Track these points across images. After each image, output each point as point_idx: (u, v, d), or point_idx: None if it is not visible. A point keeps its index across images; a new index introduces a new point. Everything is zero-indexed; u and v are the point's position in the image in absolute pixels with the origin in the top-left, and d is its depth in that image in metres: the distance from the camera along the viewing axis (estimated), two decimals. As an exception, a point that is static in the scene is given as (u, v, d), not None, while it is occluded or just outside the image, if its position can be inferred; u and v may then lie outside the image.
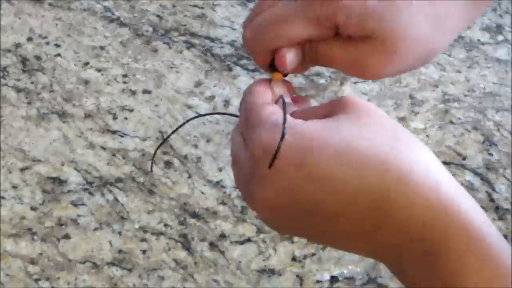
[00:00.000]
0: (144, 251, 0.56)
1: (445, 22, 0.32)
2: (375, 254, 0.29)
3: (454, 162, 0.60)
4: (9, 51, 0.66)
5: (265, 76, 0.37)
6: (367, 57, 0.32)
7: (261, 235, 0.56)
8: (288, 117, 0.29)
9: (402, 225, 0.27)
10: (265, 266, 0.55)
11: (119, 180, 0.59)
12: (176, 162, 0.59)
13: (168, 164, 0.59)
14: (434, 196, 0.26)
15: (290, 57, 0.34)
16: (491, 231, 0.27)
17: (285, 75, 0.36)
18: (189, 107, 0.62)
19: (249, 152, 0.29)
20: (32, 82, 0.64)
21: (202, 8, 0.69)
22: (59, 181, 0.59)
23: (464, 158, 0.60)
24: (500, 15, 0.68)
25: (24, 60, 0.65)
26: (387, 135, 0.27)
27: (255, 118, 0.30)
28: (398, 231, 0.27)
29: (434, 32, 0.31)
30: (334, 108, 0.30)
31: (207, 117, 0.62)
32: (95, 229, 0.56)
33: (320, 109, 0.31)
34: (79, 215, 0.57)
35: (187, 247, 0.56)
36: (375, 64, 0.31)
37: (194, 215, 0.57)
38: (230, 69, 0.65)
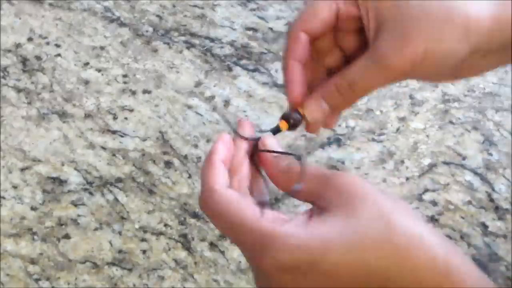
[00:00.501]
0: (144, 251, 0.56)
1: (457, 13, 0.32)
2: None
3: (454, 162, 0.60)
4: (9, 51, 0.66)
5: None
6: (387, 52, 0.32)
7: (261, 235, 0.56)
8: (284, 228, 0.29)
9: None
10: (265, 266, 0.55)
11: (119, 180, 0.59)
12: (176, 162, 0.59)
13: (168, 164, 0.59)
14: (430, 275, 0.29)
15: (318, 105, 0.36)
16: None
17: (294, 127, 0.37)
18: (189, 107, 0.62)
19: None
20: (32, 82, 0.64)
21: (202, 8, 0.69)
22: (59, 181, 0.59)
23: (464, 158, 0.60)
24: (500, 15, 0.68)
25: (24, 60, 0.65)
26: (379, 228, 0.29)
27: (240, 239, 0.31)
28: None
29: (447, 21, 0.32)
30: (326, 191, 0.31)
31: (207, 117, 0.62)
32: (95, 229, 0.56)
33: (312, 182, 0.32)
34: (79, 215, 0.57)
35: (187, 247, 0.56)
36: (397, 58, 0.32)
37: (194, 215, 0.57)
38: (230, 69, 0.65)
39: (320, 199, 0.31)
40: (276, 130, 0.37)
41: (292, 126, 0.37)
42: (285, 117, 0.37)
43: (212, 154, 0.34)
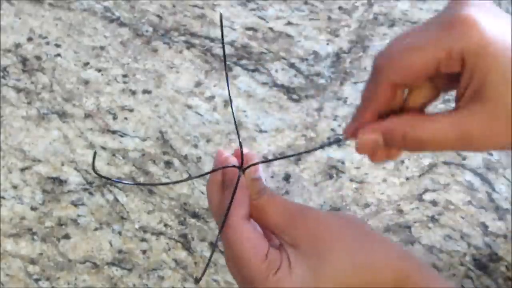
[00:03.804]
0: (144, 251, 0.56)
1: None
2: None
3: (454, 162, 0.60)
4: (9, 51, 0.66)
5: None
6: (475, 123, 0.30)
7: (261, 235, 0.56)
8: (275, 278, 0.33)
9: None
10: (265, 266, 0.55)
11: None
12: (176, 162, 0.59)
13: (168, 164, 0.59)
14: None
15: (370, 137, 0.34)
16: None
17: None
18: (189, 107, 0.62)
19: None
20: (32, 82, 0.64)
21: (202, 8, 0.69)
22: (59, 181, 0.59)
23: (464, 158, 0.60)
24: (500, 15, 0.68)
25: (24, 60, 0.65)
26: (348, 271, 0.32)
27: (242, 273, 0.34)
28: None
29: None
30: (292, 229, 0.34)
31: (207, 117, 0.62)
32: (95, 229, 0.56)
33: (278, 216, 0.35)
34: (79, 215, 0.57)
35: (187, 247, 0.56)
36: (485, 130, 0.30)
37: (194, 215, 0.57)
38: (230, 69, 0.65)
39: (287, 236, 0.34)
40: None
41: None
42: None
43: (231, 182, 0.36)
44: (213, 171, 0.38)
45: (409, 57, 0.31)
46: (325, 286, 0.32)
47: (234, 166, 0.37)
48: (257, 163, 0.37)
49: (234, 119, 0.38)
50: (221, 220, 0.36)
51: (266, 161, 0.40)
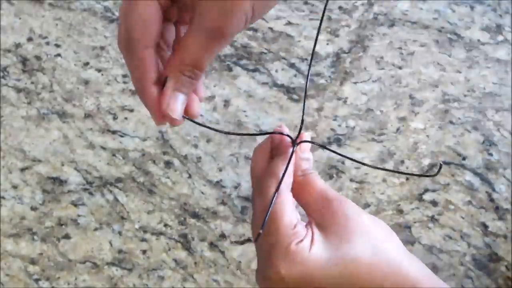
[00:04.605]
0: (144, 251, 0.56)
1: None
2: None
3: (454, 162, 0.60)
4: (9, 51, 0.66)
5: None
6: (216, 18, 0.32)
7: (261, 235, 0.56)
8: (297, 247, 0.34)
9: None
10: (265, 266, 0.55)
11: (119, 180, 0.59)
12: (176, 162, 0.59)
13: (168, 164, 0.59)
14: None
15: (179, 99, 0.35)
16: None
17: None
18: (189, 107, 0.62)
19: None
20: (32, 82, 0.64)
21: (202, 8, 0.69)
22: (59, 181, 0.59)
23: (464, 158, 0.60)
24: (500, 15, 0.68)
25: (24, 60, 0.65)
26: (368, 255, 0.34)
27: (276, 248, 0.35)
28: None
29: None
30: (326, 212, 0.36)
31: (207, 117, 0.62)
32: (95, 229, 0.56)
33: (316, 198, 0.37)
34: (79, 215, 0.57)
35: (187, 247, 0.56)
36: (228, 21, 0.32)
37: (194, 215, 0.57)
38: (230, 69, 0.65)
39: (317, 216, 0.36)
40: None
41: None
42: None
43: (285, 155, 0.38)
44: (269, 133, 0.40)
45: (135, 18, 0.33)
46: (337, 268, 0.34)
47: (289, 136, 0.39)
48: (311, 142, 0.39)
49: (306, 89, 0.40)
50: (258, 185, 0.37)
51: (320, 145, 0.42)
